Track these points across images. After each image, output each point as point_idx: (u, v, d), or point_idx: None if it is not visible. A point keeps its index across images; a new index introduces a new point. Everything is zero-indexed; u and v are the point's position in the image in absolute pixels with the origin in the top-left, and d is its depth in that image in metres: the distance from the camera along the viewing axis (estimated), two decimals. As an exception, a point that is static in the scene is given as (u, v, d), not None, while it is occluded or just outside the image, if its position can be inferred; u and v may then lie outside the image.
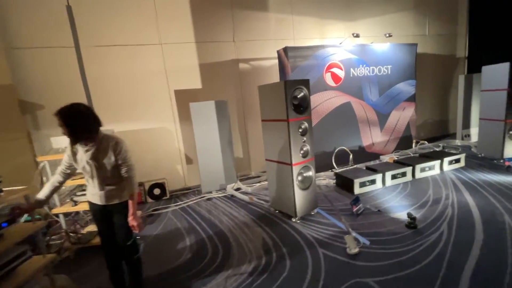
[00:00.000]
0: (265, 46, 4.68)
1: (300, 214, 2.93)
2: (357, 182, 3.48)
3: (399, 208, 2.97)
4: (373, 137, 4.99)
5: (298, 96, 2.76)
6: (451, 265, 1.99)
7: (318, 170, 4.62)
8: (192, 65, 4.33)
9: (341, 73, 4.54)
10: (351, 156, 4.44)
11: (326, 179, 4.18)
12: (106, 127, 4.03)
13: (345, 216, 2.91)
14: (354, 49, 4.60)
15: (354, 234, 2.52)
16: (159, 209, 3.75)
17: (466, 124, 5.67)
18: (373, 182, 3.59)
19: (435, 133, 6.50)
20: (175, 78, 4.25)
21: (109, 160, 1.69)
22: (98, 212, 1.82)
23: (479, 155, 4.58)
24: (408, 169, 3.76)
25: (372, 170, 3.90)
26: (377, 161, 4.88)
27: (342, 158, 4.58)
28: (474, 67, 6.13)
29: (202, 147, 4.08)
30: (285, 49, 4.14)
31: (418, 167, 3.82)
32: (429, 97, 6.27)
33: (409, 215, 2.58)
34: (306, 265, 2.18)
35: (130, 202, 1.79)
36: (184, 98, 4.31)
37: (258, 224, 2.97)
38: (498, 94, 4.14)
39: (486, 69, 4.33)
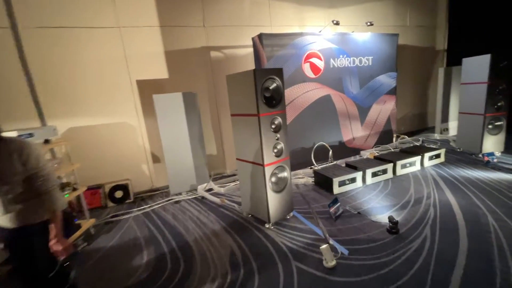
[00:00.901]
0: (240, 33, 4.28)
1: (274, 219, 2.65)
2: (336, 181, 3.25)
3: (380, 210, 2.77)
4: (353, 132, 4.80)
5: (270, 88, 2.43)
6: (436, 279, 1.79)
7: (296, 167, 4.38)
8: (156, 52, 3.86)
9: (320, 64, 4.26)
10: (330, 152, 4.22)
11: (304, 177, 3.93)
12: (58, 122, 3.57)
13: (323, 220, 2.67)
14: (334, 38, 4.32)
15: (331, 241, 2.28)
16: (119, 215, 3.33)
17: (445, 118, 5.64)
18: (353, 180, 3.38)
19: (415, 126, 6.46)
20: (137, 66, 3.77)
21: (14, 170, 1.29)
22: (9, 238, 1.41)
23: (458, 150, 4.52)
24: (389, 166, 3.58)
25: (352, 167, 3.69)
26: (358, 157, 4.71)
27: (321, 154, 4.35)
28: (454, 60, 6.08)
29: (169, 144, 3.67)
30: (260, 36, 3.78)
31: (399, 163, 3.66)
32: (409, 90, 6.18)
33: (390, 219, 2.36)
34: (277, 282, 1.91)
35: (52, 221, 1.41)
36: (148, 90, 3.85)
37: (227, 232, 2.65)
38: (478, 87, 4.04)
39: (466, 61, 4.21)
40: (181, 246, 2.49)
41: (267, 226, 2.65)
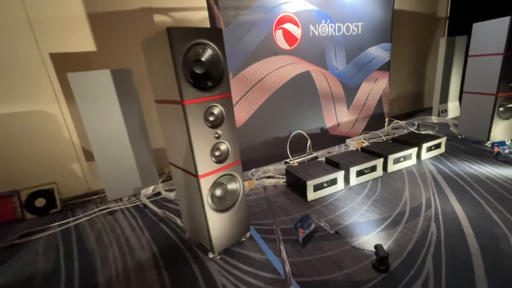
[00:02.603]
0: (192, -10, 3.31)
1: (221, 247, 1.92)
2: (310, 185, 2.52)
3: (365, 227, 2.07)
4: (338, 117, 4.02)
5: (203, 59, 1.58)
6: None
7: (268, 162, 3.63)
8: (76, 16, 2.88)
9: (297, 31, 3.36)
10: (309, 142, 3.46)
11: (275, 176, 3.19)
12: None
13: (289, 244, 1.96)
14: (314, -3, 3.39)
15: None
16: (34, 233, 2.56)
17: (444, 98, 4.90)
18: (333, 182, 2.66)
19: (409, 107, 5.72)
20: (50, 35, 2.81)
21: None
22: None
23: (460, 137, 3.83)
24: (379, 162, 2.86)
25: (333, 164, 2.96)
26: (342, 147, 3.98)
27: (300, 145, 3.60)
28: (456, 29, 5.24)
29: (98, 138, 2.83)
30: (215, -7, 2.84)
31: (391, 157, 2.94)
32: (404, 65, 5.36)
33: (378, 251, 1.67)
34: None
35: None
36: (70, 66, 2.93)
37: (156, 265, 1.92)
38: (490, 60, 3.27)
39: (478, 27, 3.38)
40: (85, 292, 1.76)
41: (210, 256, 1.94)
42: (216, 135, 1.71)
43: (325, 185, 2.60)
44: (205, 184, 1.72)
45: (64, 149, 3.12)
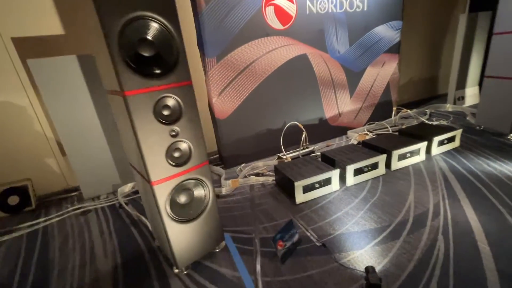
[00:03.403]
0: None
1: (187, 261, 1.66)
2: (299, 186, 2.20)
3: (358, 239, 1.76)
4: (339, 106, 3.63)
5: (149, 37, 1.25)
6: None
7: (261, 156, 3.31)
8: (38, -6, 2.57)
9: (291, 8, 2.94)
10: (304, 135, 3.12)
11: (265, 173, 2.89)
12: None
13: (267, 258, 1.69)
14: (311, -33, 2.94)
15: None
16: (0, 234, 2.39)
17: (461, 83, 4.38)
18: (326, 182, 2.33)
19: (422, 94, 5.21)
20: (9, 17, 2.52)
21: None
22: None
23: (478, 128, 3.39)
24: (381, 159, 2.50)
25: (329, 160, 2.62)
26: (344, 139, 3.60)
27: (296, 137, 3.25)
28: (479, 4, 4.62)
29: (68, 130, 2.59)
30: (192, -38, 2.45)
31: (396, 153, 2.57)
32: (416, 47, 4.81)
33: (368, 275, 1.36)
34: None
35: None
36: (37, 52, 2.65)
37: (114, 281, 1.69)
38: (519, 38, 2.78)
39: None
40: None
41: (176, 271, 1.68)
42: (173, 133, 1.41)
43: (317, 185, 2.28)
44: (162, 191, 1.44)
45: (37, 143, 2.90)
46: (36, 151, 2.92)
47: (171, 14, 1.29)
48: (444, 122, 3.73)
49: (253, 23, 2.79)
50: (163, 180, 1.43)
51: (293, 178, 2.23)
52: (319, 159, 2.79)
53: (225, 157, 3.12)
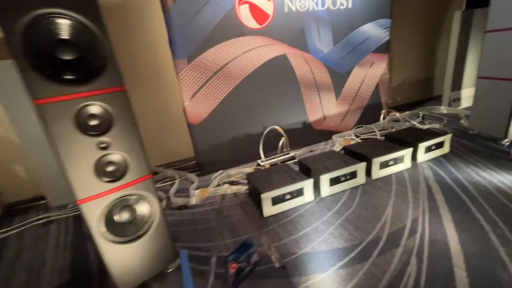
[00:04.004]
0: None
1: (132, 284, 1.51)
2: (267, 197, 2.03)
3: (323, 260, 1.59)
4: (324, 109, 3.45)
5: (65, 38, 1.10)
6: None
7: (240, 162, 3.15)
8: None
9: (268, 6, 2.78)
10: (282, 141, 2.94)
11: (241, 181, 2.73)
12: None
13: (221, 280, 1.52)
14: (289, -38, 2.76)
15: None
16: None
17: (457, 84, 4.16)
18: (299, 193, 2.16)
19: (416, 96, 4.99)
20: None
21: None
22: None
23: (471, 132, 3.18)
24: (360, 167, 2.32)
25: (304, 168, 2.45)
26: (329, 144, 3.42)
27: (278, 142, 3.08)
28: (475, 0, 4.39)
29: (28, 133, 2.46)
30: (156, -42, 2.30)
31: (377, 161, 2.38)
32: (409, 46, 4.60)
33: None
34: None
35: None
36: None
37: (53, 304, 1.55)
38: (513, 36, 2.57)
39: (499, -7, 2.66)
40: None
41: (118, 294, 1.53)
42: (103, 145, 1.25)
43: (288, 197, 2.11)
44: (92, 210, 1.29)
45: (2, 147, 2.79)
46: (2, 155, 2.80)
47: (92, 11, 1.14)
48: (437, 126, 3.52)
49: (227, 22, 2.63)
50: (93, 198, 1.28)
51: (261, 189, 2.06)
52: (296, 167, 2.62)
53: (201, 163, 2.97)
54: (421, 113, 4.03)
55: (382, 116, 3.57)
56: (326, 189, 2.24)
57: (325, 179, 2.20)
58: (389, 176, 2.45)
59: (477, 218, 1.77)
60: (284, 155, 3.06)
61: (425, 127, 3.47)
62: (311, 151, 3.28)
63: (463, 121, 3.53)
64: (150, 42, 2.96)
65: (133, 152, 1.35)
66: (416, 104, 4.73)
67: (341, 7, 3.12)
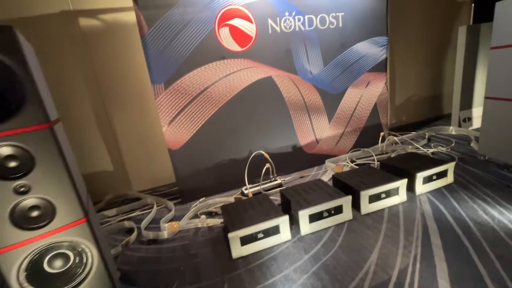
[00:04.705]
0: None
1: None
2: (235, 237, 1.82)
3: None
4: (316, 131, 3.23)
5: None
6: None
7: (225, 189, 2.95)
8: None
9: (250, 28, 2.68)
10: (265, 167, 2.74)
11: (219, 212, 2.53)
12: None
13: None
14: (271, -17, 2.68)
15: None
16: None
17: (467, 102, 3.83)
18: (274, 231, 1.93)
19: (423, 115, 4.66)
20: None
21: None
22: None
23: (480, 158, 2.83)
24: (345, 201, 2.06)
25: (285, 200, 2.23)
26: (322, 170, 3.18)
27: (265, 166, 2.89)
28: (485, 14, 4.13)
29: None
30: (131, -14, 2.28)
31: (365, 194, 2.12)
32: (415, 63, 4.34)
33: None
34: None
35: None
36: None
37: None
38: (521, 52, 2.30)
39: (503, 6, 2.42)
40: None
41: None
42: (22, 189, 1.13)
43: (261, 235, 1.89)
44: (11, 261, 1.15)
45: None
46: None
47: (9, 46, 1.05)
48: (443, 149, 3.20)
49: (206, 46, 2.55)
50: (11, 248, 1.14)
51: (230, 226, 1.86)
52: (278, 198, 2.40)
53: (183, 190, 2.81)
54: (427, 134, 3.71)
55: (380, 138, 3.29)
56: (305, 227, 1.99)
57: (304, 215, 1.96)
58: (381, 211, 2.16)
59: (480, 274, 1.46)
60: (270, 182, 2.85)
61: (430, 151, 3.16)
62: (302, 177, 3.04)
63: (473, 144, 3.18)
64: (133, 66, 2.93)
65: (62, 195, 1.22)
66: (424, 123, 4.40)
67: (331, 26, 2.98)
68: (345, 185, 2.28)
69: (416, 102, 4.52)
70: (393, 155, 3.12)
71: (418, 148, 3.25)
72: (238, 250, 1.84)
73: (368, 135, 3.48)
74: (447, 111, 4.74)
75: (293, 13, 2.79)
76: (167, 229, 2.22)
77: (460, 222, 1.89)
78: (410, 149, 3.27)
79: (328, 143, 3.33)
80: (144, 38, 2.36)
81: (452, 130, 3.76)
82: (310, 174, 3.10)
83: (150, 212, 2.60)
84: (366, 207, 2.14)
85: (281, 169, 3.05)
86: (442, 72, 4.55)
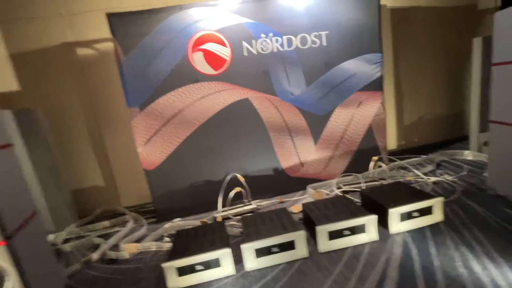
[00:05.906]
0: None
1: None
2: (170, 267, 1.76)
3: None
4: (300, 154, 3.06)
5: None
6: None
7: (199, 210, 2.92)
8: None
9: (224, 51, 2.70)
10: (234, 192, 2.65)
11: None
12: None
13: None
14: (245, 7, 2.67)
15: None
16: None
17: (487, 124, 3.29)
18: (214, 264, 1.82)
19: (440, 136, 4.12)
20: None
21: None
22: None
23: (491, 193, 2.37)
24: (298, 236, 1.87)
25: (244, 229, 2.11)
26: (304, 196, 2.97)
27: (243, 190, 2.81)
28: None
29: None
30: (109, 20, 2.47)
31: (322, 230, 1.90)
32: (428, 79, 3.91)
33: None
34: None
35: None
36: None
37: None
38: (526, 70, 1.91)
39: (503, 16, 2.07)
40: None
41: None
42: None
43: (200, 268, 1.80)
44: None
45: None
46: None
47: None
48: (449, 178, 2.76)
49: (179, 71, 2.63)
50: None
51: (170, 255, 1.81)
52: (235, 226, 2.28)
53: (158, 209, 2.87)
54: (436, 159, 3.26)
55: (372, 163, 2.98)
56: (252, 261, 1.85)
57: (249, 248, 1.83)
58: (344, 250, 1.92)
59: None
60: (243, 206, 2.75)
61: (431, 179, 2.76)
62: (281, 202, 2.88)
63: (487, 174, 2.70)
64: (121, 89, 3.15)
65: (-22, 219, 1.31)
66: (440, 145, 3.88)
67: (314, 45, 2.85)
68: (308, 217, 2.09)
69: (431, 122, 4.03)
70: (385, 182, 2.79)
71: (418, 175, 2.87)
72: (174, 282, 1.78)
73: (363, 158, 3.17)
74: (467, 133, 4.13)
75: (270, 35, 2.75)
76: (125, 250, 2.25)
77: (426, 274, 1.57)
78: (409, 176, 2.90)
79: (315, 167, 3.12)
80: (120, 64, 2.53)
81: (469, 154, 3.25)
82: (291, 199, 2.92)
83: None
84: (325, 245, 1.92)
85: (260, 192, 2.93)
86: (459, 87, 4.01)
